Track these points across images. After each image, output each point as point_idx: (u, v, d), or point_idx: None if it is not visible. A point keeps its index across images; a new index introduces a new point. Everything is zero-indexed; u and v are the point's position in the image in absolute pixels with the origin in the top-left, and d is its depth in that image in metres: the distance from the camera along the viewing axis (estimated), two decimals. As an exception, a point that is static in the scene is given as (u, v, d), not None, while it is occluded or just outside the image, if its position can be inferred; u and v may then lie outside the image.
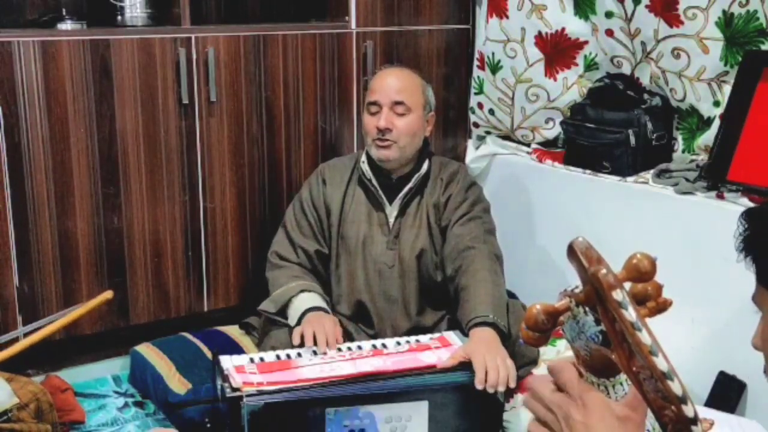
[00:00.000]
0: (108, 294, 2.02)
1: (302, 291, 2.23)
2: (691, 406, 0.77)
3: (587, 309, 0.89)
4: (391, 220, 2.36)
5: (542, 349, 2.35)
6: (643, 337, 0.79)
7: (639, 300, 0.92)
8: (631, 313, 0.80)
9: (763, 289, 1.06)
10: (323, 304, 2.22)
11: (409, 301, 2.34)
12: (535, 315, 0.94)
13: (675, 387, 0.77)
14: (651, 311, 0.92)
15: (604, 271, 0.82)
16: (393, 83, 2.31)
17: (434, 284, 2.35)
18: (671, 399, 0.77)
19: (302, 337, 2.07)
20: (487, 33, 2.92)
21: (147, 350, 2.50)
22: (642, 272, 0.88)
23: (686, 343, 2.26)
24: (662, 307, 0.94)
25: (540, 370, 2.27)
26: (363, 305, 2.34)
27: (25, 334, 1.96)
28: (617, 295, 0.81)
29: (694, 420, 0.77)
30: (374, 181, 2.36)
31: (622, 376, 0.93)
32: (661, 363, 0.78)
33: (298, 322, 2.14)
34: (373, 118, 2.31)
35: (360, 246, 2.34)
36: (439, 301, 2.36)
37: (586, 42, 2.75)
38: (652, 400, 0.80)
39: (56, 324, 1.89)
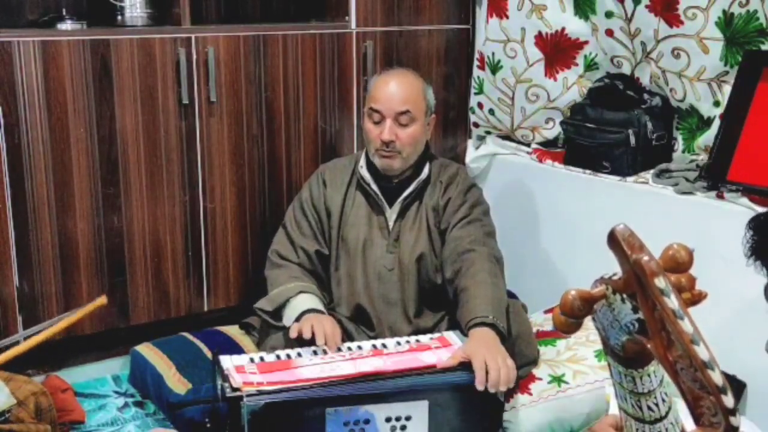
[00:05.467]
0: (102, 299, 2.01)
1: (301, 292, 2.23)
2: (730, 396, 0.76)
3: (625, 296, 0.88)
4: (391, 223, 2.35)
5: (542, 349, 2.35)
6: (685, 325, 0.78)
7: None
8: (673, 301, 0.79)
9: None
10: (321, 307, 2.21)
11: (409, 304, 2.34)
12: (570, 301, 0.93)
13: (716, 377, 0.76)
14: (686, 302, 0.91)
15: (646, 258, 0.82)
16: (396, 93, 2.27)
17: (434, 287, 2.35)
18: (711, 389, 0.76)
19: (299, 333, 2.06)
20: (487, 33, 2.92)
21: (147, 350, 2.50)
22: (679, 263, 0.87)
23: (686, 343, 2.26)
24: (697, 299, 0.93)
25: (540, 370, 2.27)
26: (362, 308, 2.34)
27: (25, 338, 1.95)
28: (659, 282, 0.80)
29: (734, 411, 0.76)
30: (373, 186, 2.35)
31: (650, 368, 0.93)
32: (702, 352, 0.77)
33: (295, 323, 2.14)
34: (375, 128, 2.29)
35: (360, 249, 2.34)
36: (438, 303, 2.35)
37: (586, 42, 2.75)
38: (688, 391, 0.79)
39: (52, 330, 1.88)
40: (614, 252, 0.85)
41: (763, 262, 1.06)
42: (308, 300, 2.21)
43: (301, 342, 2.07)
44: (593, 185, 2.66)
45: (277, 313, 2.23)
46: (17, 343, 1.89)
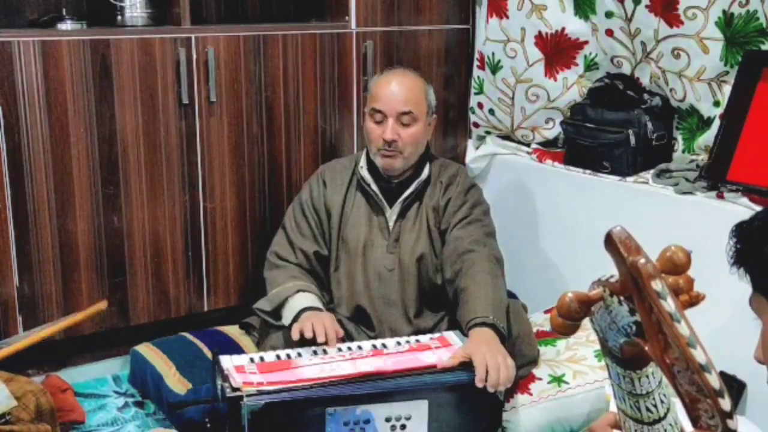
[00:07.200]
0: (102, 304, 2.02)
1: (299, 291, 2.23)
2: (728, 399, 0.76)
3: (622, 299, 0.88)
4: (391, 223, 2.35)
5: (542, 349, 2.35)
6: (682, 328, 0.78)
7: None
8: (669, 304, 0.79)
9: (759, 295, 1.06)
10: (319, 305, 2.22)
11: (409, 305, 2.34)
12: (567, 303, 0.93)
13: (712, 380, 0.76)
14: (684, 304, 0.91)
15: (643, 260, 0.81)
16: (398, 93, 2.28)
17: (434, 287, 2.34)
18: (708, 392, 0.76)
19: (302, 333, 2.06)
20: (487, 33, 2.92)
21: (147, 350, 2.50)
22: (677, 264, 0.87)
23: (686, 343, 2.26)
24: (695, 300, 0.92)
25: (540, 370, 2.27)
26: (362, 309, 2.34)
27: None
28: (656, 285, 0.80)
29: (730, 414, 0.76)
30: (374, 186, 2.35)
31: (649, 369, 0.93)
32: (699, 355, 0.77)
33: (294, 322, 2.14)
34: (377, 128, 2.29)
35: (360, 249, 2.34)
36: (438, 303, 2.35)
37: (586, 42, 2.75)
38: (685, 393, 0.79)
39: (50, 329, 1.88)
40: (611, 254, 0.85)
41: (746, 269, 1.06)
42: (306, 298, 2.21)
43: (302, 342, 2.07)
44: (593, 185, 2.66)
45: (276, 312, 2.24)
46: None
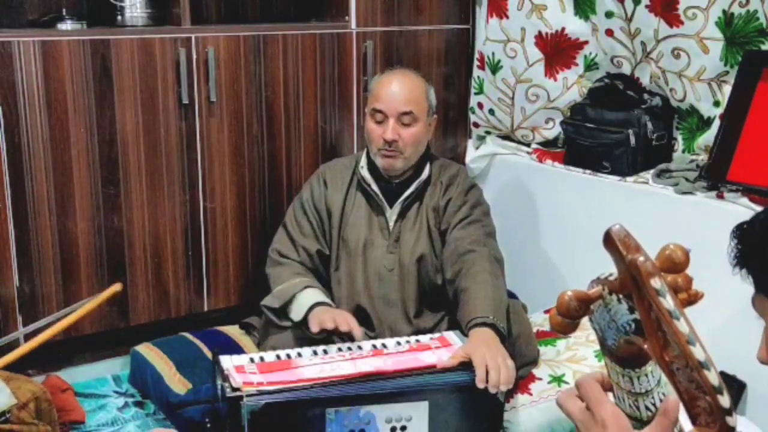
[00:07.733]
0: (117, 287, 1.98)
1: (307, 287, 2.23)
2: (727, 396, 0.76)
3: (621, 297, 0.88)
4: (391, 223, 2.35)
5: (542, 349, 2.35)
6: (681, 325, 0.78)
7: None
8: (669, 301, 0.79)
9: (762, 296, 1.06)
10: (328, 300, 2.22)
11: (409, 305, 2.34)
12: (567, 301, 0.93)
13: (712, 377, 0.76)
14: (683, 303, 0.91)
15: (642, 258, 0.81)
16: (399, 93, 2.28)
17: (434, 287, 2.34)
18: (707, 389, 0.76)
19: (320, 327, 2.07)
20: (487, 33, 2.92)
21: (147, 350, 2.50)
22: (676, 263, 0.87)
23: (686, 343, 2.26)
24: (694, 299, 0.93)
25: (540, 370, 2.27)
26: (362, 309, 2.34)
27: (26, 336, 1.94)
28: (655, 282, 0.80)
29: (730, 411, 0.76)
30: (374, 186, 2.35)
31: (648, 368, 0.93)
32: (698, 352, 0.77)
33: (304, 318, 2.14)
34: (378, 128, 2.29)
35: (360, 249, 2.34)
36: (438, 303, 2.35)
37: (586, 42, 2.75)
38: (684, 391, 0.79)
39: (65, 321, 1.84)
40: (610, 252, 0.85)
41: (748, 271, 1.06)
42: (315, 294, 2.21)
43: (312, 341, 2.07)
44: (593, 185, 2.66)
45: (283, 309, 2.23)
46: (17, 340, 1.88)
